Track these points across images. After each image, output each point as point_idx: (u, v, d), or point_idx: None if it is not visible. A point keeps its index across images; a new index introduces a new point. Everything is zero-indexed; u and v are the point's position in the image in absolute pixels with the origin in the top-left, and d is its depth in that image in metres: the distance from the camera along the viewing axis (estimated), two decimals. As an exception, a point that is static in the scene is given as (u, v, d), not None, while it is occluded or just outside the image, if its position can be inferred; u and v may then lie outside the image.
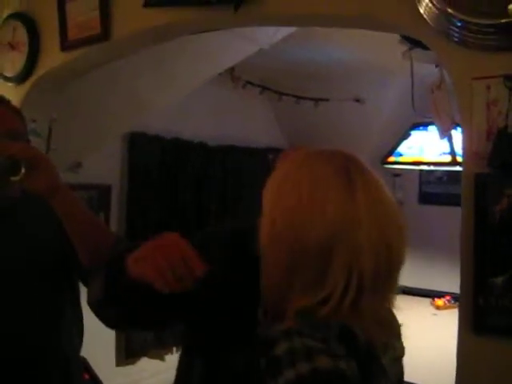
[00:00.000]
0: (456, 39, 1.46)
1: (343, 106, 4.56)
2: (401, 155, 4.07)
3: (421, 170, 4.90)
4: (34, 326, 1.52)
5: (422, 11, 1.49)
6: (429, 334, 3.63)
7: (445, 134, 1.96)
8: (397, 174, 5.16)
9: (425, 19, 1.50)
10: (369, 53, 3.68)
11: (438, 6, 1.43)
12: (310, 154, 1.02)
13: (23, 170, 1.29)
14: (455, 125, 1.87)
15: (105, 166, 3.92)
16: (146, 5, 2.02)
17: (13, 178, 1.29)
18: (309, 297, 0.92)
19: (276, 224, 0.96)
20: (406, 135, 4.00)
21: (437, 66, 2.49)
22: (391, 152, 4.08)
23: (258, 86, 4.56)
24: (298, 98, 4.61)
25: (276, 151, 5.23)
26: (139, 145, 4.09)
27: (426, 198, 5.14)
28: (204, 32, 2.29)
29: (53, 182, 1.37)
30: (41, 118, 2.52)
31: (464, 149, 1.51)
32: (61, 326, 1.59)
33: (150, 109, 3.55)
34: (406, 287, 4.77)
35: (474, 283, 1.44)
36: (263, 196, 1.02)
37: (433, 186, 5.11)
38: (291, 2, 1.79)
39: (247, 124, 4.79)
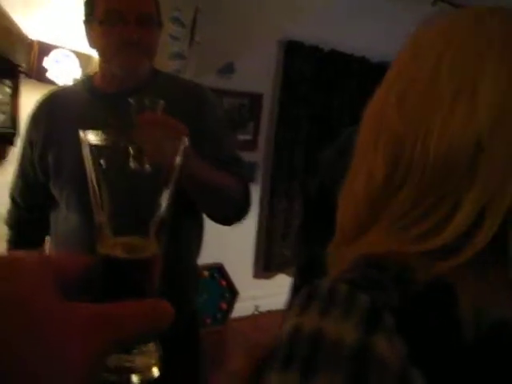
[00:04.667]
0: None
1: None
2: None
3: None
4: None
5: None
6: None
7: None
8: None
9: None
10: None
11: None
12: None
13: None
14: None
15: (258, 73, 3.78)
16: None
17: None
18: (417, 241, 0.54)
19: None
20: None
21: None
22: None
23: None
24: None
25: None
26: (295, 54, 3.88)
27: None
28: None
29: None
30: (185, 8, 2.41)
31: None
32: (181, 238, 1.51)
33: (308, 11, 3.31)
34: None
35: None
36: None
37: None
38: None
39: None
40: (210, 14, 2.68)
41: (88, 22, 1.44)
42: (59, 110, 1.51)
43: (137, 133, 1.14)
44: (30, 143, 1.53)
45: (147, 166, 1.24)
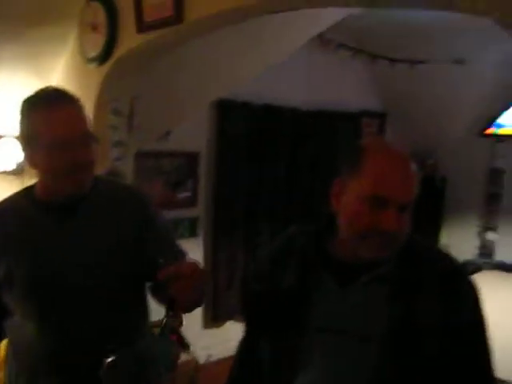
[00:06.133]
0: None
1: (441, 68, 4.25)
2: (502, 127, 3.69)
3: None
4: (107, 331, 1.53)
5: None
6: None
7: None
8: (501, 139, 4.80)
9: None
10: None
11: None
12: None
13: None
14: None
15: (193, 133, 3.96)
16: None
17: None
18: None
19: None
20: (509, 104, 3.60)
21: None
22: (490, 123, 3.71)
23: (351, 48, 4.36)
24: (393, 60, 4.36)
25: (370, 115, 5.04)
26: (227, 112, 4.08)
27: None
28: (283, 12, 2.19)
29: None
30: (122, 97, 2.59)
31: None
32: (127, 324, 1.61)
33: (235, 78, 3.50)
34: (504, 263, 4.49)
35: None
36: None
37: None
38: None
39: (340, 88, 4.63)
40: (144, 95, 2.84)
41: (30, 146, 1.48)
42: (6, 223, 1.56)
43: (172, 287, 1.32)
44: None
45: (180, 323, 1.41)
